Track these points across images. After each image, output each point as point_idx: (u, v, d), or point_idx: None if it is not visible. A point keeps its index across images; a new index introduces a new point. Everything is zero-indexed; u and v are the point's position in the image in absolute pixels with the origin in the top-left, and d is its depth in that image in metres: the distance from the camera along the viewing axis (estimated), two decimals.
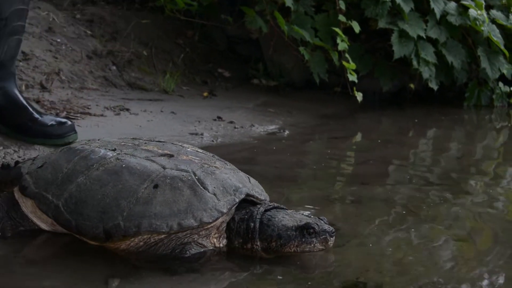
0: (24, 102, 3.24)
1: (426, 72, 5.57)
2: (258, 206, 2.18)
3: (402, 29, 5.50)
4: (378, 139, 4.52)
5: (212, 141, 4.02)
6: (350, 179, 3.39)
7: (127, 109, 4.47)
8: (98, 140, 2.45)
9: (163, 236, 2.06)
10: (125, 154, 2.22)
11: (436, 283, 1.93)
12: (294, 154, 3.86)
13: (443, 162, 3.88)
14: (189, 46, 6.15)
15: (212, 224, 2.08)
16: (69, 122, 3.30)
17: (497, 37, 5.81)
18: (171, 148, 2.31)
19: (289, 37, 5.37)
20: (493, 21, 5.92)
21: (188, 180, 2.08)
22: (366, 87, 5.88)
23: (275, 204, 2.22)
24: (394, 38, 5.49)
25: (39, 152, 3.13)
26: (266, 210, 2.16)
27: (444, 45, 5.72)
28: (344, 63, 5.15)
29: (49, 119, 3.28)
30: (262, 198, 2.24)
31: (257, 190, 2.26)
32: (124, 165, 2.14)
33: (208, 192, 2.07)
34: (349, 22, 5.32)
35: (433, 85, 5.67)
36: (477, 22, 5.65)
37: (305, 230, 2.05)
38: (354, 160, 3.92)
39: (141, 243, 2.07)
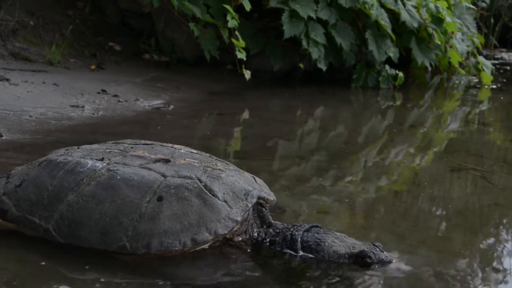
0: None
1: (316, 53, 5.65)
2: (296, 225, 1.97)
3: (293, 9, 5.55)
4: (265, 117, 4.57)
5: (93, 114, 3.94)
6: (228, 153, 3.41)
7: (7, 79, 4.32)
8: (78, 148, 2.19)
9: (176, 253, 1.84)
10: (116, 163, 1.99)
11: None
12: (175, 128, 3.84)
13: (325, 139, 3.97)
14: (79, 18, 5.99)
15: (226, 235, 1.89)
16: None
17: (385, 21, 5.96)
18: (163, 151, 2.11)
19: (180, 12, 5.32)
20: (382, 5, 6.08)
21: (194, 188, 1.89)
22: (258, 66, 5.93)
23: (312, 224, 2.00)
24: (284, 17, 5.53)
25: None
26: (305, 231, 1.94)
27: (334, 27, 5.82)
28: (234, 40, 5.15)
29: None
30: (272, 199, 2.08)
31: (266, 191, 2.10)
32: (119, 177, 1.91)
33: (219, 199, 1.89)
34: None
35: (322, 66, 5.77)
36: (366, 6, 5.79)
37: (360, 259, 1.83)
38: (235, 136, 3.94)
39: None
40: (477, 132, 4.58)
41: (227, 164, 2.15)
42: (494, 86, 7.27)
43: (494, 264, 1.97)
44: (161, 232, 1.80)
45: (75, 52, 5.57)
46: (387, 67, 6.20)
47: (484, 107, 6.16)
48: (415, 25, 6.19)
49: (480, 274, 1.88)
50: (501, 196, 2.82)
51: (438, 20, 6.55)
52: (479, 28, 12.14)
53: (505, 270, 1.92)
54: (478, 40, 8.65)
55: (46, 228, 1.88)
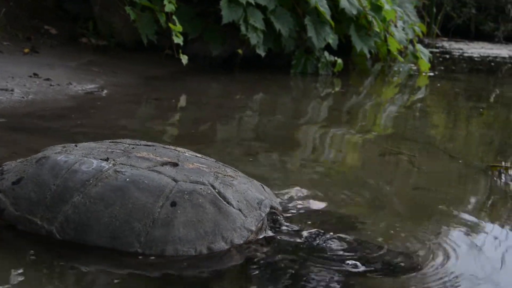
0: None
1: (254, 39, 5.65)
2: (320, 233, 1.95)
3: None
4: (202, 101, 4.55)
5: (23, 97, 3.86)
6: (158, 138, 3.38)
7: None
8: (76, 146, 2.07)
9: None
10: (122, 164, 1.89)
11: None
12: (107, 113, 3.79)
13: (262, 124, 3.97)
14: (14, 0, 5.85)
15: (242, 245, 1.82)
16: None
17: (324, 8, 6.00)
18: (167, 154, 2.02)
19: None
20: None
21: (208, 194, 1.82)
22: (197, 51, 5.90)
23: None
24: (223, 2, 5.51)
25: None
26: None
27: (273, 13, 5.83)
28: (171, 25, 5.11)
29: None
30: (280, 208, 2.03)
31: (274, 199, 2.04)
32: (128, 179, 1.81)
33: (233, 207, 1.83)
34: None
35: (261, 52, 5.78)
36: None
37: None
38: (169, 120, 3.92)
39: None
40: (411, 118, 4.66)
41: (235, 170, 2.09)
42: (431, 74, 7.40)
43: (415, 245, 2.01)
44: (176, 239, 1.73)
45: (8, 35, 5.44)
46: (326, 53, 6.24)
47: (421, 94, 6.27)
48: (354, 12, 6.25)
49: (400, 257, 1.91)
50: (424, 179, 2.87)
51: (377, 8, 6.62)
52: (422, 17, 12.35)
53: (423, 251, 1.96)
54: (419, 28, 8.79)
55: (49, 230, 1.77)
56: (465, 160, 3.25)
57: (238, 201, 1.85)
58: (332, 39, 6.08)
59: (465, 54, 11.16)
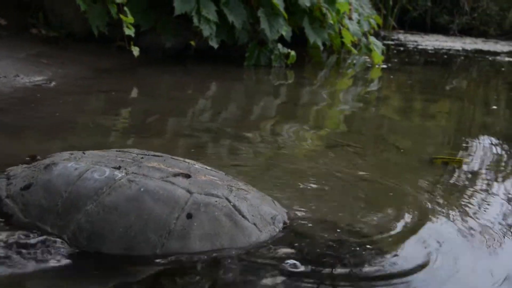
0: None
1: (207, 30, 5.63)
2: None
3: None
4: (153, 94, 4.52)
5: None
6: (101, 130, 3.35)
7: None
8: (84, 153, 2.03)
9: None
10: (135, 173, 1.87)
11: None
12: (54, 105, 3.74)
13: (214, 116, 3.96)
14: None
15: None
16: None
17: (278, 0, 6.00)
18: (178, 165, 1.99)
19: None
20: None
21: (223, 207, 1.81)
22: (150, 43, 5.85)
23: None
24: None
25: None
26: None
27: (226, 4, 5.81)
28: (122, 16, 5.05)
29: None
30: (288, 222, 2.01)
31: (285, 214, 2.03)
32: (142, 189, 1.78)
33: (248, 221, 1.82)
34: None
35: (214, 44, 5.76)
36: None
37: None
38: (116, 112, 3.87)
39: None
40: (361, 110, 4.70)
41: (247, 184, 2.08)
42: (385, 66, 7.47)
43: (359, 236, 2.02)
44: (192, 252, 1.72)
45: None
46: (279, 45, 6.25)
47: (374, 86, 6.32)
48: (308, 4, 6.27)
49: (345, 246, 1.92)
50: (369, 171, 2.90)
51: (331, 0, 6.65)
52: (378, 10, 12.46)
53: (368, 242, 1.98)
54: (375, 21, 8.88)
55: (61, 237, 1.74)
56: (410, 152, 3.30)
57: (253, 215, 1.85)
58: (285, 31, 6.09)
59: (420, 47, 11.29)
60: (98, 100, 4.17)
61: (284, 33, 6.07)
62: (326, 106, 4.78)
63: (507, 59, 10.32)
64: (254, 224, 1.83)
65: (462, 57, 10.27)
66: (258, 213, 1.87)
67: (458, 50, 11.24)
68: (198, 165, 2.07)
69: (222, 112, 4.12)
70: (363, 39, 7.65)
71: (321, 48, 6.69)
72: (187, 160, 2.09)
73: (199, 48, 6.05)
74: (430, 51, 10.63)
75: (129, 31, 5.05)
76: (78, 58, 5.28)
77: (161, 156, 2.09)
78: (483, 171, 3.00)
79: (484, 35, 15.13)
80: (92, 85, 4.58)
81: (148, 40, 5.80)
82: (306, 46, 6.79)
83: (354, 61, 7.96)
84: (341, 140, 3.49)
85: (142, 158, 2.02)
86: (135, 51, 5.14)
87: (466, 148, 3.50)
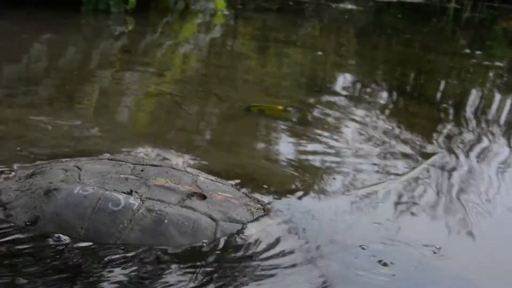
0: None
1: None
2: None
3: None
4: None
5: None
6: None
7: None
8: (79, 169, 1.85)
9: None
10: (149, 199, 1.74)
11: None
12: None
13: (52, 65, 3.89)
14: None
15: None
16: None
17: None
18: (183, 178, 1.90)
19: None
20: None
21: None
22: None
23: None
24: None
25: None
26: None
27: None
28: None
29: None
30: None
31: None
32: (166, 221, 1.67)
33: None
34: None
35: None
36: None
37: None
38: None
39: None
40: (192, 58, 4.78)
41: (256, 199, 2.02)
42: (227, 12, 7.57)
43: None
44: None
45: None
46: None
47: (216, 32, 6.41)
48: None
49: None
50: (187, 121, 3.00)
51: None
52: None
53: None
54: None
55: None
56: (230, 101, 3.43)
57: None
58: None
59: None
60: None
61: None
62: (157, 54, 4.80)
63: (349, 6, 10.73)
64: None
65: (314, 5, 10.54)
66: None
67: None
68: (202, 177, 2.00)
69: (56, 63, 4.06)
70: None
71: None
72: (188, 170, 2.02)
73: None
74: None
75: None
76: None
77: (160, 166, 2.00)
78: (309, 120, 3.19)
79: None
80: None
81: None
82: None
83: (202, 8, 7.98)
84: (165, 89, 3.57)
85: (142, 171, 1.92)
86: None
87: (289, 97, 3.70)
